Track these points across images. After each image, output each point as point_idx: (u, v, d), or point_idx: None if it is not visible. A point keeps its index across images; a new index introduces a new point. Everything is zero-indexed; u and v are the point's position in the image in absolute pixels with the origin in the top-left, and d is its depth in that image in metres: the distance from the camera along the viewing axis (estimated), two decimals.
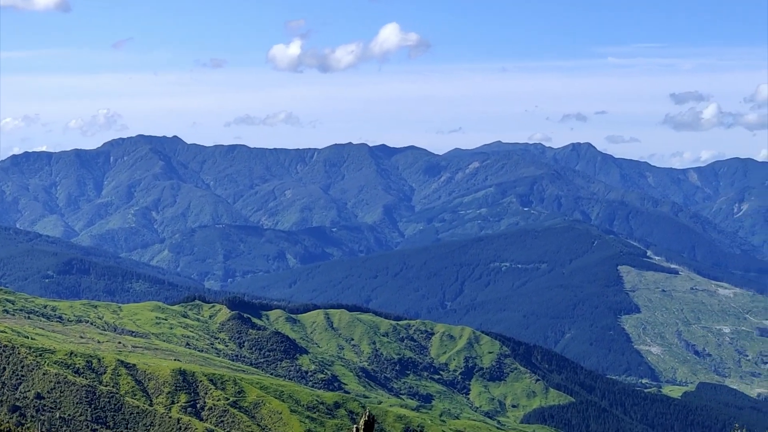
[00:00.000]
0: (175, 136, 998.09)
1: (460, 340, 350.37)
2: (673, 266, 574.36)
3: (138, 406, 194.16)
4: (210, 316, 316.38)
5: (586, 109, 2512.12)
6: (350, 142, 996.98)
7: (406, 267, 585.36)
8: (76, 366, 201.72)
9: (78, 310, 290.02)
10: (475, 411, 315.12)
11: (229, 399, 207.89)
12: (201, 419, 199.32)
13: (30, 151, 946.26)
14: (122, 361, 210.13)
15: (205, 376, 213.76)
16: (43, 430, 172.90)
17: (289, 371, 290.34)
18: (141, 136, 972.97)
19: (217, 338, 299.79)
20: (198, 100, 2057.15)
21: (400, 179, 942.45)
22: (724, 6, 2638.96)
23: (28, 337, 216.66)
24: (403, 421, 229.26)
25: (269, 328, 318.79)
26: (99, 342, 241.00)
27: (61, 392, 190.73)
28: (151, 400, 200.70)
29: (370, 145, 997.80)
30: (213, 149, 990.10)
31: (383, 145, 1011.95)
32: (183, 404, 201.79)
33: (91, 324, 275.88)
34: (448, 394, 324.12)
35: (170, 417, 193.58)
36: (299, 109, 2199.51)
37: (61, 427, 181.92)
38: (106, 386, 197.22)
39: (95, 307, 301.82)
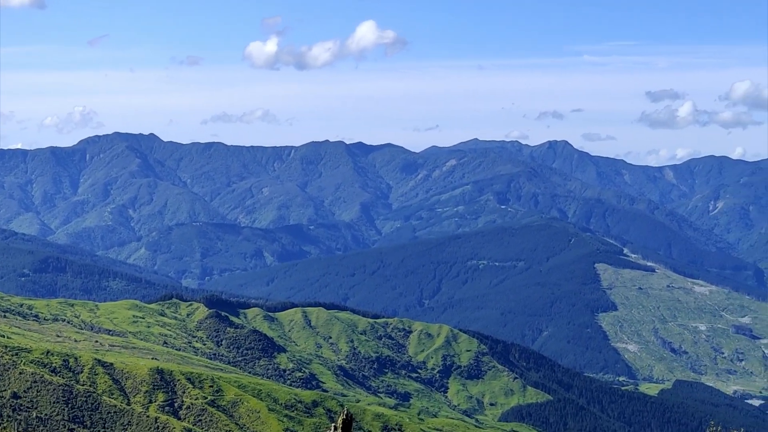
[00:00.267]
0: (151, 134, 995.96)
1: (438, 338, 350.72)
2: (649, 264, 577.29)
3: (115, 406, 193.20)
4: (187, 315, 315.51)
5: (562, 106, 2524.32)
6: (327, 140, 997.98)
7: (383, 265, 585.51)
8: (53, 365, 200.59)
9: (54, 309, 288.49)
10: (453, 409, 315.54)
11: (207, 398, 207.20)
12: (179, 418, 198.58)
13: (5, 148, 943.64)
14: (99, 360, 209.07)
15: (183, 374, 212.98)
16: (20, 429, 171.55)
17: (267, 370, 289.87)
18: (117, 133, 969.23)
19: (194, 337, 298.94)
20: (174, 98, 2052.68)
21: (377, 177, 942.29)
22: (698, 4, 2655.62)
23: (4, 336, 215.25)
24: (381, 419, 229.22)
25: (247, 326, 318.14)
26: (76, 341, 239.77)
27: (37, 391, 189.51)
28: (128, 400, 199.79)
29: (347, 142, 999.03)
30: (190, 147, 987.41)
31: (360, 143, 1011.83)
32: (161, 403, 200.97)
33: (68, 323, 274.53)
34: (426, 393, 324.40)
35: (148, 416, 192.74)
36: (276, 107, 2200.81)
37: (38, 427, 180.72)
38: (83, 385, 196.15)
39: (72, 305, 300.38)
